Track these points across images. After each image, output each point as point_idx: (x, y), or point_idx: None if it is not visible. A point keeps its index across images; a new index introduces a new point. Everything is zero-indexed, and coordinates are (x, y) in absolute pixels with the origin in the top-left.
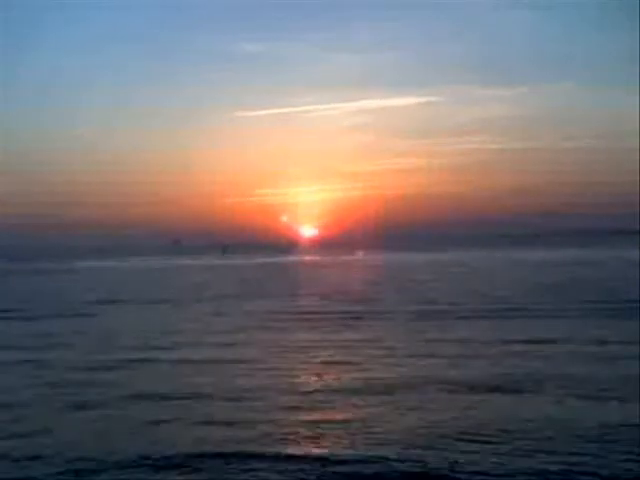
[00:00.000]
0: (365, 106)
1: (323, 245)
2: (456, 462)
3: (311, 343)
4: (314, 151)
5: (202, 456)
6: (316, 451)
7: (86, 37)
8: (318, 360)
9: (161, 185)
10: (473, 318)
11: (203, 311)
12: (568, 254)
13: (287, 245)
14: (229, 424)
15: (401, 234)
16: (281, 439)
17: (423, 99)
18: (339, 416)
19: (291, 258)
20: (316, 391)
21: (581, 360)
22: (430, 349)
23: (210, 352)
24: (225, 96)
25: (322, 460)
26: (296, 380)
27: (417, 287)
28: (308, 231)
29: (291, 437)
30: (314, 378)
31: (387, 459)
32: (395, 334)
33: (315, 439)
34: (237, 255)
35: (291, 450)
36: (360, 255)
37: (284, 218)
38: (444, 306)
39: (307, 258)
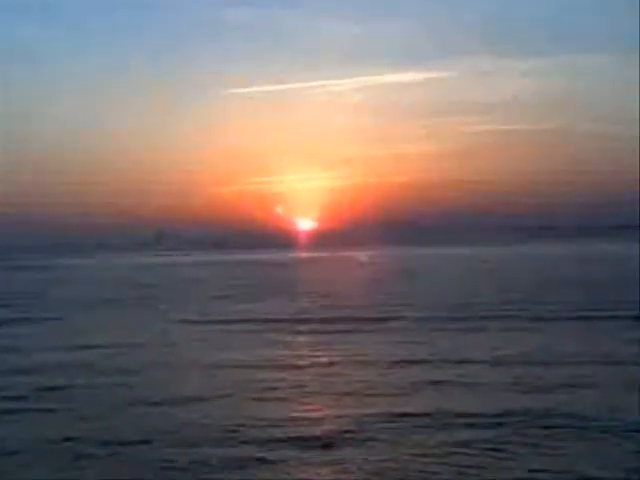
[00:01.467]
0: (366, 83)
1: (322, 239)
2: None
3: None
4: (310, 134)
5: None
6: None
7: (58, 10)
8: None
9: (138, 173)
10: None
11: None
12: (591, 250)
13: (282, 240)
14: None
15: (408, 226)
16: None
17: (430, 74)
18: None
19: (286, 255)
20: None
21: None
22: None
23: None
24: (208, 71)
25: None
26: None
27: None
28: (305, 224)
29: None
30: None
31: None
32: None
33: None
34: (227, 251)
35: None
36: (364, 251)
37: (278, 209)
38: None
39: (305, 255)
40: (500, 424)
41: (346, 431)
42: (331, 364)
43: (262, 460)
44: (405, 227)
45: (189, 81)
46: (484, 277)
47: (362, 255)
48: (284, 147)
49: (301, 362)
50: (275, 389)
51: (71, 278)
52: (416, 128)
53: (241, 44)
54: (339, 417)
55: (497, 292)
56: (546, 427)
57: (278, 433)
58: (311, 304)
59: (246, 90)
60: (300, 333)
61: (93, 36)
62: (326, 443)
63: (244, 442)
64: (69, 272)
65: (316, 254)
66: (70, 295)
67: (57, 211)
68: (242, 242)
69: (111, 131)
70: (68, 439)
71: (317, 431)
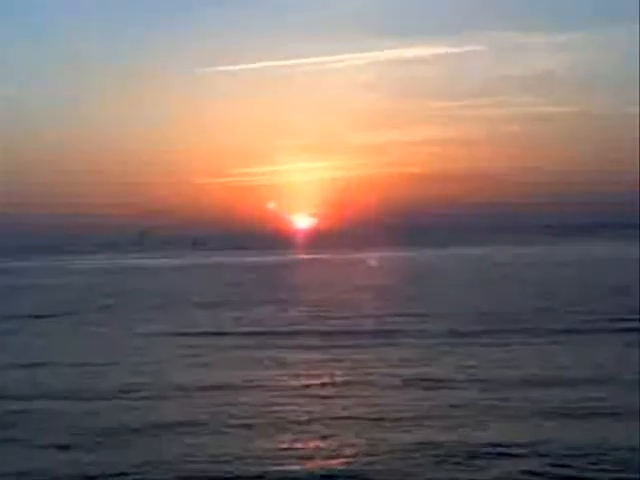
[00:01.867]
0: (378, 58)
1: (322, 239)
2: None
3: None
4: (309, 117)
5: None
6: None
7: None
8: None
9: (116, 165)
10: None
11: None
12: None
13: (276, 240)
14: None
15: (423, 225)
16: None
17: (451, 49)
18: None
19: (280, 257)
20: None
21: None
22: None
23: None
24: (194, 47)
25: None
26: None
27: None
28: (303, 221)
29: None
30: None
31: None
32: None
33: None
34: (210, 252)
35: None
36: (372, 252)
37: (272, 205)
38: None
39: (302, 257)
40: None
41: None
42: (332, 385)
43: None
44: (420, 225)
45: (168, 59)
46: (509, 281)
47: (369, 257)
48: (278, 132)
49: (294, 384)
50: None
51: (28, 283)
52: (434, 111)
53: (231, 15)
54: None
55: (524, 299)
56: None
57: None
58: (308, 314)
59: (234, 68)
60: (295, 349)
61: (66, 11)
62: None
63: None
64: (27, 276)
65: (316, 256)
66: (24, 303)
67: (27, 210)
68: (229, 242)
69: (80, 114)
70: None
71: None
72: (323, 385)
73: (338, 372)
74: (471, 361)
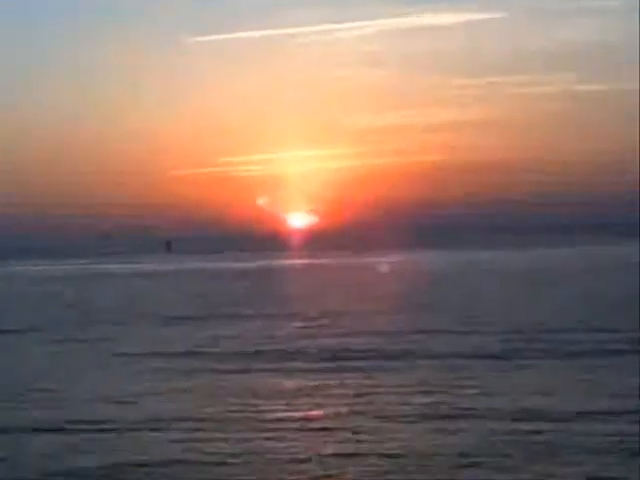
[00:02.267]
0: (387, 26)
1: (322, 241)
2: None
3: None
4: (309, 96)
5: None
6: None
7: None
8: None
9: (80, 152)
10: None
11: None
12: None
13: (268, 241)
14: None
15: (439, 223)
16: None
17: (474, 16)
18: None
19: (273, 261)
20: None
21: None
22: None
23: None
24: (171, 14)
25: None
26: None
27: None
28: (299, 219)
29: None
30: None
31: None
32: None
33: None
34: (187, 256)
35: None
36: (381, 256)
37: (263, 200)
38: None
39: (299, 262)
40: None
41: None
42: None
43: None
44: (436, 224)
45: (144, 29)
46: (542, 290)
47: (377, 261)
48: (271, 115)
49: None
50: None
51: None
52: (455, 89)
53: None
54: None
55: (562, 311)
56: None
57: None
58: (305, 331)
59: (218, 37)
60: (290, 373)
61: None
62: None
63: None
64: None
65: (314, 261)
66: None
67: None
68: (210, 245)
69: (47, 92)
70: None
71: None
72: (324, 417)
73: (342, 401)
74: (498, 387)
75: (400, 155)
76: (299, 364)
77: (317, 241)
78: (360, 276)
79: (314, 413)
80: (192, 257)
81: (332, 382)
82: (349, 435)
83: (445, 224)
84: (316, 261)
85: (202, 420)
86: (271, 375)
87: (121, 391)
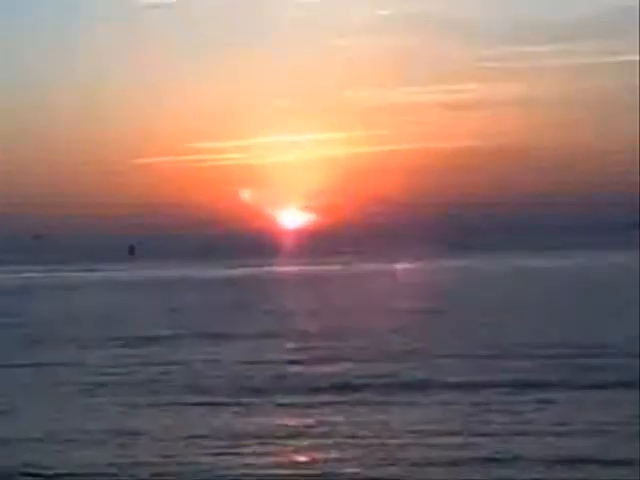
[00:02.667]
0: None
1: (321, 244)
2: None
3: None
4: (302, 66)
5: None
6: None
7: None
8: None
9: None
10: None
11: None
12: None
13: (252, 243)
14: None
15: (466, 221)
16: None
17: None
18: None
19: (258, 269)
20: None
21: None
22: None
23: None
24: None
25: None
26: None
27: None
28: (292, 217)
29: None
30: None
31: None
32: None
33: None
34: (154, 262)
35: None
36: (394, 262)
37: (246, 194)
38: None
39: (291, 269)
40: None
41: None
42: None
43: None
44: (463, 223)
45: None
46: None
47: (389, 269)
48: (255, 90)
49: None
50: None
51: None
52: (487, 58)
53: None
54: None
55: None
56: None
57: None
58: (300, 354)
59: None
60: (281, 409)
61: None
62: None
63: None
64: None
65: (311, 268)
66: None
67: None
68: (182, 248)
69: None
70: None
71: None
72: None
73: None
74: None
75: (422, 139)
76: (291, 398)
77: (314, 244)
78: (367, 286)
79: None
80: (159, 263)
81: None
82: None
83: (473, 221)
84: (313, 269)
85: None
86: (257, 412)
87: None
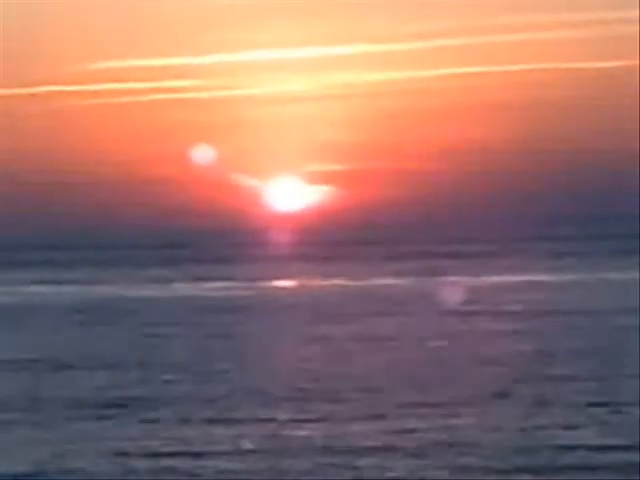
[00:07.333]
0: None
1: (333, 234)
2: None
3: None
4: None
5: None
6: None
7: None
8: None
9: None
10: None
11: None
12: None
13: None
14: None
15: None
16: None
17: None
18: None
19: (243, 285)
20: None
21: None
22: None
23: None
24: None
25: None
26: None
27: None
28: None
29: None
30: None
31: None
32: None
33: None
34: (35, 272)
35: None
36: (444, 275)
37: (202, 154)
38: None
39: (290, 284)
40: None
41: None
42: None
43: None
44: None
45: None
46: None
47: (438, 282)
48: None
49: None
50: None
51: None
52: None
53: None
54: None
55: None
56: None
57: None
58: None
59: None
60: None
61: None
62: None
63: None
64: None
65: (322, 283)
66: None
67: None
68: (115, 251)
69: None
70: None
71: None
72: None
73: None
74: None
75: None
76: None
77: (325, 236)
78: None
79: None
80: (45, 272)
81: None
82: None
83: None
84: (323, 283)
85: None
86: None
87: None
